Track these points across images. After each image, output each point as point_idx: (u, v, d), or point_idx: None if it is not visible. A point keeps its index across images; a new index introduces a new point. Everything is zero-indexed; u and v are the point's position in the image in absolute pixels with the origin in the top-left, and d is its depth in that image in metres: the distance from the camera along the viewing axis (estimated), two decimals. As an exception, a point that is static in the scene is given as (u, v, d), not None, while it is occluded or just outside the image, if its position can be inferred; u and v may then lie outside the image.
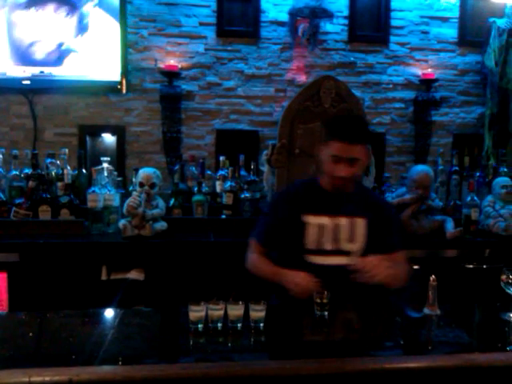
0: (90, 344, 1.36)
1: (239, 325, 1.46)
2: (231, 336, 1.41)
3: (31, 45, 3.40)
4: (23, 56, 3.41)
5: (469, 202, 3.10)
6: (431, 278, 1.63)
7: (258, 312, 1.48)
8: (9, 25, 3.38)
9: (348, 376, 1.21)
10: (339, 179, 1.88)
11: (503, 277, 1.63)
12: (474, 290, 2.79)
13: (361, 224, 1.95)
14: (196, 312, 1.45)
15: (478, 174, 3.48)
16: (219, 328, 1.45)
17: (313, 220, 1.95)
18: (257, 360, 1.26)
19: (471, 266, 2.94)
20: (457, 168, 3.49)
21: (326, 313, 1.62)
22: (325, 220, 1.94)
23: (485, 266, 2.92)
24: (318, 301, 1.63)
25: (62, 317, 1.68)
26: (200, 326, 1.44)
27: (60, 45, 3.42)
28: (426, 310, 1.65)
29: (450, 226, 3.02)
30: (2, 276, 2.66)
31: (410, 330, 1.63)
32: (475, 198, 3.12)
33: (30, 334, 1.44)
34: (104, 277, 2.74)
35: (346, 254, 1.94)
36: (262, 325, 1.47)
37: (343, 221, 1.94)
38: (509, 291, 1.62)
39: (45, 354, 1.35)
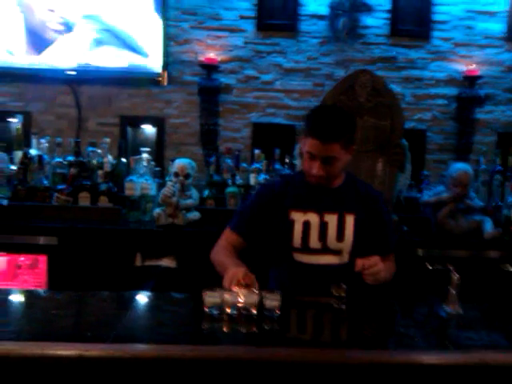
0: (111, 323, 1.42)
1: (253, 312, 1.48)
2: (244, 322, 1.44)
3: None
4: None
5: (509, 203, 3.00)
6: (454, 276, 1.60)
7: (272, 301, 1.49)
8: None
9: (354, 367, 1.21)
10: (313, 177, 1.78)
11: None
12: None
13: (350, 220, 1.84)
14: (211, 298, 1.48)
15: (522, 174, 3.36)
16: (233, 315, 1.47)
17: (299, 217, 1.84)
18: (265, 346, 1.28)
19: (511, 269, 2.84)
20: (500, 168, 3.37)
21: (344, 306, 1.61)
22: (311, 217, 1.84)
23: (526, 269, 2.82)
24: (336, 294, 1.62)
25: (90, 297, 1.76)
26: (215, 311, 1.47)
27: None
28: (447, 309, 1.62)
29: (488, 226, 2.92)
30: (42, 259, 2.79)
31: (427, 326, 1.60)
32: (517, 199, 3.02)
33: (53, 312, 1.52)
34: (138, 263, 2.81)
35: (335, 253, 1.84)
36: (276, 314, 1.48)
37: (331, 217, 1.84)
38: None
39: (64, 331, 1.40)
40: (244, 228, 1.91)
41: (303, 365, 1.23)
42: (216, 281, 1.63)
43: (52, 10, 3.52)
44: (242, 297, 1.48)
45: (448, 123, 3.83)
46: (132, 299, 1.78)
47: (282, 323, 1.46)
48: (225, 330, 1.40)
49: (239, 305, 1.48)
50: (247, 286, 1.56)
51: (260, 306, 1.48)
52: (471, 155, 3.77)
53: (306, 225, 1.84)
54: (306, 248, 1.84)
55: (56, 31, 3.54)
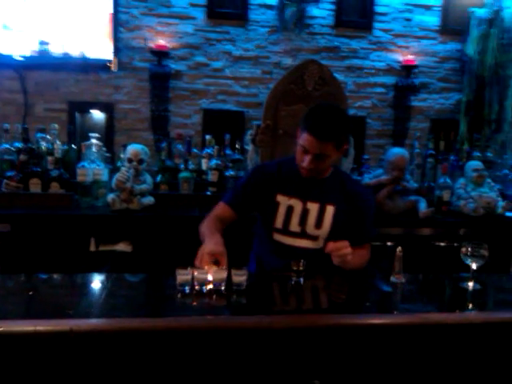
0: (85, 302, 1.51)
1: (222, 288, 1.60)
2: (215, 297, 1.56)
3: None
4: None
5: (441, 184, 3.27)
6: (397, 250, 1.79)
7: (239, 276, 1.62)
8: None
9: (316, 330, 1.37)
10: (304, 169, 1.90)
11: (463, 249, 1.78)
12: (443, 264, 2.95)
13: (330, 211, 1.97)
14: (183, 275, 1.59)
15: (452, 157, 3.65)
16: (204, 290, 1.59)
17: (284, 200, 1.98)
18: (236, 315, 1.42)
19: (442, 244, 3.10)
20: (432, 151, 3.65)
21: (302, 279, 1.77)
22: (295, 202, 1.97)
23: (456, 244, 3.09)
24: (295, 268, 1.78)
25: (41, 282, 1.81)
26: (186, 288, 1.59)
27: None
28: (393, 279, 1.81)
29: (422, 206, 3.17)
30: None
31: (376, 294, 1.80)
32: (448, 180, 3.29)
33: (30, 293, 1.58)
34: (93, 248, 2.84)
35: (312, 238, 1.98)
36: (243, 288, 1.61)
37: (313, 206, 1.97)
38: (467, 262, 1.78)
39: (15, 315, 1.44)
40: (237, 202, 2.03)
41: (270, 331, 1.38)
42: (170, 263, 1.72)
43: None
44: (211, 274, 1.60)
45: (386, 110, 4.06)
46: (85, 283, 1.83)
47: (248, 296, 1.60)
48: (196, 303, 1.51)
49: (209, 281, 1.60)
50: (216, 263, 1.68)
51: (228, 281, 1.61)
52: (406, 140, 4.03)
53: (290, 209, 1.98)
54: (286, 230, 1.99)
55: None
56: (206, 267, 1.64)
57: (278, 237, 2.01)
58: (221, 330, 1.33)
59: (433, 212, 3.14)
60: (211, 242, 1.78)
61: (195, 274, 1.59)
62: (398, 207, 3.19)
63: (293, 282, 1.76)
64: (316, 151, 1.83)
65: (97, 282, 1.80)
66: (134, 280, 1.92)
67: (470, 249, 1.76)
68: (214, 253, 1.71)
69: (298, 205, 1.98)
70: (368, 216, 2.07)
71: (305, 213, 1.98)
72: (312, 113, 1.88)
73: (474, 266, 1.77)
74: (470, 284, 1.78)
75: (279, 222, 1.99)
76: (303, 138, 1.85)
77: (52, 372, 1.28)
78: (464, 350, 1.47)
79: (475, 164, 3.32)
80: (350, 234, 1.93)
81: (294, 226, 1.98)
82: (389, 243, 2.92)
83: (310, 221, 1.97)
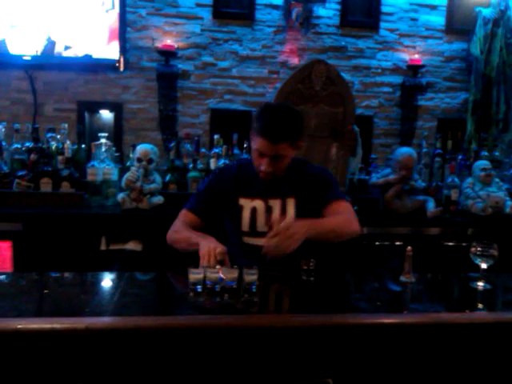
0: (99, 301, 1.53)
1: (234, 287, 1.63)
2: (227, 296, 1.58)
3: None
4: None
5: (449, 184, 3.28)
6: (407, 249, 1.81)
7: (251, 276, 1.64)
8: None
9: (327, 329, 1.39)
10: (262, 172, 1.91)
11: (472, 249, 1.80)
12: (452, 264, 2.97)
13: (291, 204, 1.98)
14: (195, 274, 1.61)
15: (460, 156, 3.66)
16: (216, 289, 1.62)
17: (246, 203, 2.00)
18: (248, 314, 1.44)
19: (451, 244, 3.12)
20: (440, 151, 3.67)
21: (312, 278, 1.79)
22: (257, 203, 1.99)
23: (464, 244, 3.10)
24: (305, 267, 1.80)
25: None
26: (199, 287, 1.61)
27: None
28: (402, 278, 1.83)
29: (430, 205, 3.19)
30: (6, 245, 2.79)
31: (386, 293, 1.82)
32: (456, 179, 3.30)
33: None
34: (103, 247, 2.88)
35: None
36: (254, 287, 1.64)
37: (275, 202, 1.98)
38: (476, 262, 1.79)
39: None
40: (200, 208, 2.03)
41: (282, 329, 1.40)
42: (179, 261, 1.75)
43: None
44: (223, 273, 1.63)
45: (393, 110, 4.07)
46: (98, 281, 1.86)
47: (260, 295, 1.62)
48: (208, 302, 1.54)
49: (221, 280, 1.62)
50: (221, 262, 1.71)
51: (239, 280, 1.64)
52: (414, 139, 4.04)
53: (254, 211, 1.99)
54: (253, 232, 2.00)
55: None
56: (218, 266, 1.66)
57: (247, 239, 2.01)
58: (234, 328, 1.36)
59: (441, 211, 3.15)
60: (213, 242, 1.79)
61: (207, 273, 1.62)
62: (406, 206, 3.21)
63: (303, 281, 1.78)
64: (271, 153, 1.84)
65: (109, 281, 1.84)
66: (145, 279, 1.96)
67: (479, 248, 1.77)
68: (222, 252, 1.74)
69: (260, 205, 1.99)
70: (330, 185, 2.03)
71: (268, 211, 1.99)
72: (261, 115, 1.89)
73: (483, 266, 1.78)
74: (480, 284, 1.79)
75: (245, 225, 2.00)
76: (257, 142, 1.86)
77: (68, 369, 1.31)
78: (474, 351, 1.49)
79: (483, 163, 3.33)
80: (321, 208, 1.92)
81: (261, 226, 1.99)
82: (397, 243, 2.94)
83: (274, 218, 1.95)
